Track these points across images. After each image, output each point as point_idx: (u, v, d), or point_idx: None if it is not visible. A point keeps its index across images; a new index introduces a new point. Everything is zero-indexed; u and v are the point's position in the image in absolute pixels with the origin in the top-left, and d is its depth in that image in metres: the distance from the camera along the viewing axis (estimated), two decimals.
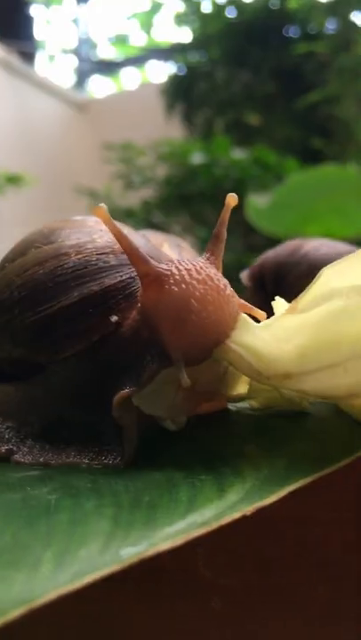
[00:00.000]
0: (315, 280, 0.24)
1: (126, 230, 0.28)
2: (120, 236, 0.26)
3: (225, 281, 0.26)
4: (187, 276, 0.25)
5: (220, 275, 0.26)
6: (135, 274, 0.28)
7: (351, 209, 1.43)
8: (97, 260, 0.29)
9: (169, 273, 0.26)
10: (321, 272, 0.25)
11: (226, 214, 0.28)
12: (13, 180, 1.92)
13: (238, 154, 2.32)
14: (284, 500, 0.21)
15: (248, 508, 0.20)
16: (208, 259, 0.27)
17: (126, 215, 2.48)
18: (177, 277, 0.25)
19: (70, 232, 0.30)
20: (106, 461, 0.26)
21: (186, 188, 2.44)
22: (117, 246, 0.30)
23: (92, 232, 0.30)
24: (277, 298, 0.28)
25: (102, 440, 0.27)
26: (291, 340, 0.23)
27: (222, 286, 0.26)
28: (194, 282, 0.25)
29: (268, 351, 0.24)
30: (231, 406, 0.32)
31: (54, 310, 0.28)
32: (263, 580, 0.25)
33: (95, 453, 0.27)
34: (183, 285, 0.25)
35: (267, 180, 2.23)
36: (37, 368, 0.31)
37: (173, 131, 2.87)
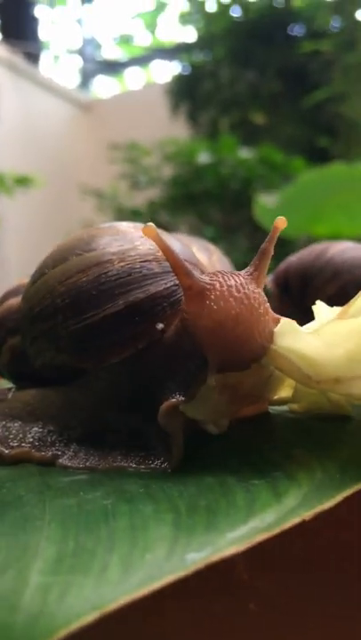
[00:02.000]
0: None
1: (170, 240, 0.28)
2: (168, 252, 0.26)
3: (262, 299, 0.27)
4: (226, 293, 0.26)
5: (257, 291, 0.27)
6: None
7: (359, 208, 1.43)
8: (140, 267, 0.29)
9: (211, 288, 0.26)
10: None
11: (275, 233, 0.28)
12: (22, 181, 1.93)
13: (245, 153, 2.33)
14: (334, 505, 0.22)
15: (307, 513, 0.20)
16: (251, 274, 0.27)
17: (132, 215, 2.49)
18: (218, 293, 0.26)
19: (111, 239, 0.31)
20: (153, 466, 0.27)
21: (192, 188, 2.44)
22: (160, 254, 0.30)
23: (134, 239, 0.31)
24: (318, 302, 0.29)
25: (147, 444, 0.28)
26: (341, 344, 0.24)
27: (256, 305, 0.26)
28: (231, 299, 0.26)
29: (319, 356, 0.24)
30: (271, 410, 0.32)
31: (99, 318, 0.28)
32: (302, 583, 0.25)
33: (141, 458, 0.27)
34: (222, 303, 0.26)
35: (273, 179, 2.23)
36: (79, 373, 0.31)
37: (178, 130, 2.87)
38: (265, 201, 1.58)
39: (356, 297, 0.25)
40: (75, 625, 0.17)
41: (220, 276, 0.27)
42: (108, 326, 0.28)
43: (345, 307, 0.25)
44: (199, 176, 2.40)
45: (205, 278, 0.26)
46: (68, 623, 0.17)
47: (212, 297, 0.26)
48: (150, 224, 0.26)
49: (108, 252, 0.30)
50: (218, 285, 0.26)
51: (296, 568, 0.25)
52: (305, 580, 0.25)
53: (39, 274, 0.32)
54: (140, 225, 0.32)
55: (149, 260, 0.29)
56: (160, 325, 0.28)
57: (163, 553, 0.19)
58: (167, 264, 0.29)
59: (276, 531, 0.20)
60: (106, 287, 0.29)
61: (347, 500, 0.22)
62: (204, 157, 2.36)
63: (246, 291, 0.26)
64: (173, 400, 0.26)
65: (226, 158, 2.33)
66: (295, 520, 0.20)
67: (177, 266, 0.26)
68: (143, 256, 0.29)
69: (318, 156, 2.27)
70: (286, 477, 0.23)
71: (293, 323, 0.25)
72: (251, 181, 2.27)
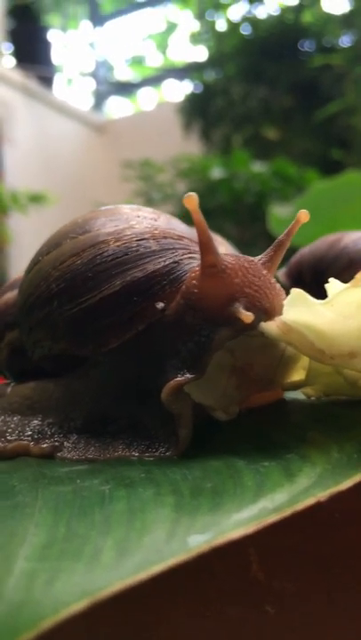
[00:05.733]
0: None
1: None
2: (202, 226, 0.26)
3: (274, 279, 0.27)
4: (244, 270, 0.26)
5: (269, 274, 0.27)
6: (179, 258, 0.27)
7: None
8: (137, 245, 0.27)
9: (231, 266, 0.26)
10: None
11: (295, 227, 0.27)
12: (36, 198, 1.93)
13: (258, 167, 2.32)
14: (352, 489, 0.20)
15: (322, 494, 0.18)
16: (264, 263, 0.27)
17: None
18: (237, 272, 0.26)
19: (106, 220, 0.29)
20: (157, 453, 0.25)
21: (206, 203, 2.43)
22: (157, 231, 0.28)
23: (130, 218, 0.29)
24: (331, 279, 0.27)
25: (151, 432, 0.26)
26: (355, 316, 0.22)
27: (273, 281, 0.27)
28: (249, 276, 0.26)
29: (331, 329, 0.22)
30: (285, 396, 0.30)
31: (96, 301, 0.27)
32: (322, 583, 0.23)
33: (145, 446, 0.25)
34: (240, 278, 0.26)
35: (287, 192, 2.22)
36: (79, 362, 0.30)
37: (191, 148, 2.88)
38: (279, 212, 1.57)
39: None
40: (62, 614, 0.15)
41: (235, 257, 0.26)
42: (106, 308, 0.26)
43: (359, 274, 0.23)
44: (213, 191, 2.39)
45: (227, 258, 0.26)
46: (55, 612, 0.15)
47: (231, 274, 0.25)
48: (193, 194, 0.25)
49: (104, 233, 0.28)
50: (237, 266, 0.26)
51: (315, 567, 0.23)
52: (325, 580, 0.23)
53: (33, 262, 0.31)
54: (137, 207, 0.31)
55: (146, 239, 0.28)
56: (160, 304, 0.26)
57: (162, 535, 0.17)
58: (166, 241, 0.28)
59: (288, 512, 0.18)
60: (102, 268, 0.27)
61: None
62: (217, 172, 2.35)
63: (260, 273, 0.26)
64: (179, 378, 0.24)
65: (239, 173, 2.32)
66: (309, 501, 0.18)
67: (208, 242, 0.25)
68: (140, 234, 0.28)
69: (332, 169, 2.25)
70: (300, 458, 0.21)
71: (304, 293, 0.24)
72: (265, 195, 2.26)
